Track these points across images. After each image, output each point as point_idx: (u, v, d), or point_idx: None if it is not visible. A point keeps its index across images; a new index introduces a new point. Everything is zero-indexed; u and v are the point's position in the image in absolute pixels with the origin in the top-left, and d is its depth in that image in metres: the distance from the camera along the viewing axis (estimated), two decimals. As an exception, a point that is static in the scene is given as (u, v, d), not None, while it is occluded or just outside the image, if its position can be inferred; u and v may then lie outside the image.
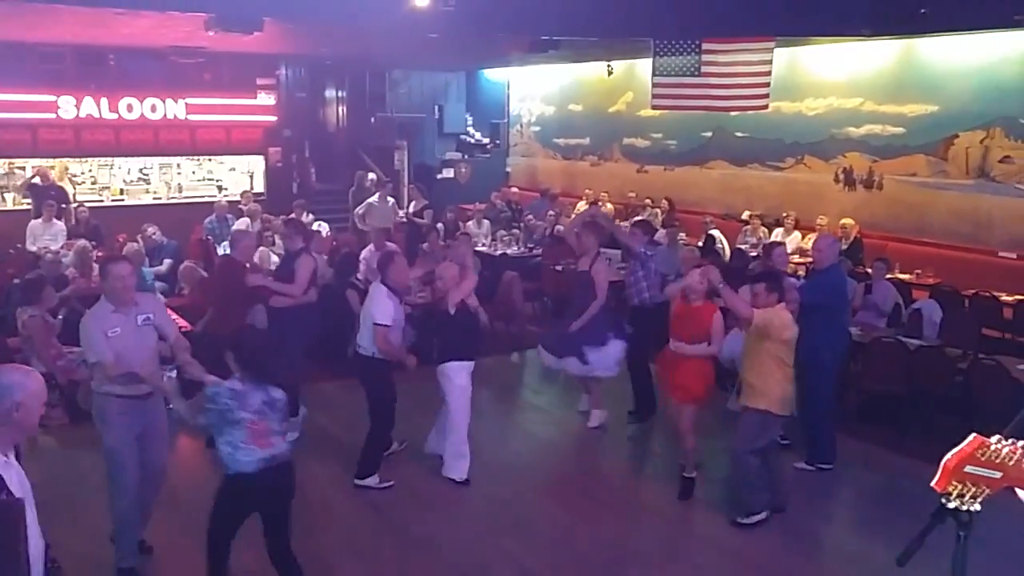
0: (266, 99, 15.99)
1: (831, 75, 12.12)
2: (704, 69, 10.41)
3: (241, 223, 11.65)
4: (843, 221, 11.17)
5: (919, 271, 10.27)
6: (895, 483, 6.52)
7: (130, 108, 14.51)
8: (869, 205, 11.65)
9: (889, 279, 9.16)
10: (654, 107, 11.32)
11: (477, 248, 11.79)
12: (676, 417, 6.36)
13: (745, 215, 12.78)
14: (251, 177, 15.78)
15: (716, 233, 11.89)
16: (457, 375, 6.23)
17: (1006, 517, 2.22)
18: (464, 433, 6.38)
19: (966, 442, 1.48)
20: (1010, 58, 10.06)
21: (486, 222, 13.46)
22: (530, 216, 13.89)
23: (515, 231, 13.29)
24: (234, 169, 15.75)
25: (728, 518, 5.88)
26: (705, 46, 10.32)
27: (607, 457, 7.34)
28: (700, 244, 11.11)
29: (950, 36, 10.37)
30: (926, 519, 1.79)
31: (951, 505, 1.54)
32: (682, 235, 11.12)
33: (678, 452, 6.46)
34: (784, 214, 12.12)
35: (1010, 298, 9.24)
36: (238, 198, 13.39)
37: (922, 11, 8.64)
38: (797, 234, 11.78)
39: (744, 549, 5.61)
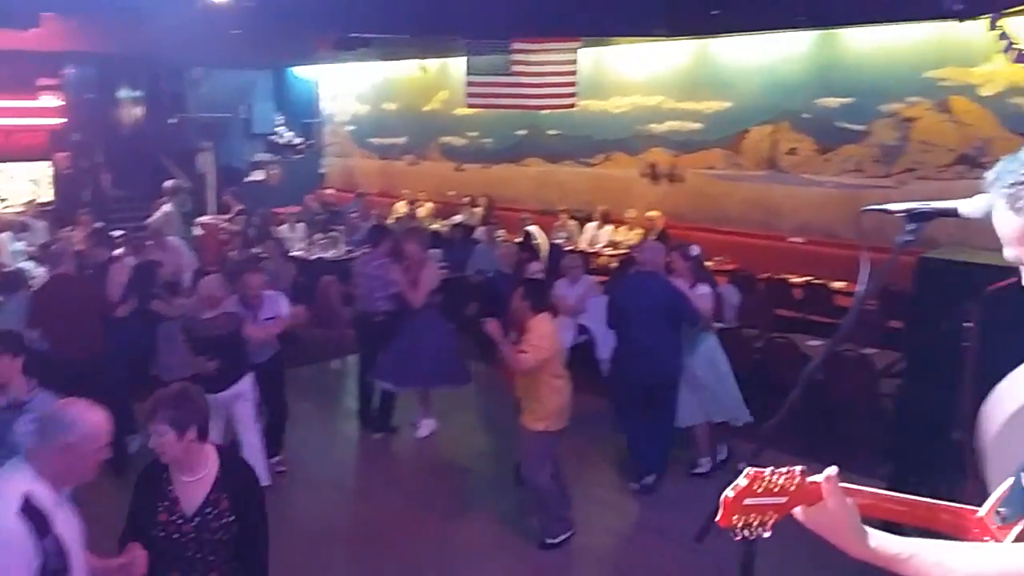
0: (50, 101, 14.70)
1: (633, 75, 12.62)
2: (514, 68, 10.50)
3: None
4: (649, 213, 11.66)
5: (719, 258, 10.80)
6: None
7: None
8: (673, 197, 12.23)
9: (693, 267, 9.63)
10: (469, 106, 11.36)
11: (292, 253, 11.37)
12: None
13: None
14: (36, 185, 14.49)
15: (533, 229, 12.08)
16: None
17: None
18: None
19: (740, 478, 1.52)
20: (793, 56, 10.83)
21: (300, 225, 12.99)
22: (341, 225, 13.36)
23: (332, 234, 12.90)
24: (14, 177, 14.41)
25: (538, 540, 5.64)
26: (514, 46, 10.41)
27: (432, 459, 7.27)
28: (519, 240, 11.27)
29: (740, 36, 11.01)
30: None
31: (738, 538, 1.56)
32: (500, 232, 11.23)
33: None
34: (596, 208, 12.52)
35: (799, 280, 9.95)
36: (22, 209, 12.24)
37: (713, 12, 9.13)
38: (610, 227, 12.21)
39: (575, 539, 5.72)
